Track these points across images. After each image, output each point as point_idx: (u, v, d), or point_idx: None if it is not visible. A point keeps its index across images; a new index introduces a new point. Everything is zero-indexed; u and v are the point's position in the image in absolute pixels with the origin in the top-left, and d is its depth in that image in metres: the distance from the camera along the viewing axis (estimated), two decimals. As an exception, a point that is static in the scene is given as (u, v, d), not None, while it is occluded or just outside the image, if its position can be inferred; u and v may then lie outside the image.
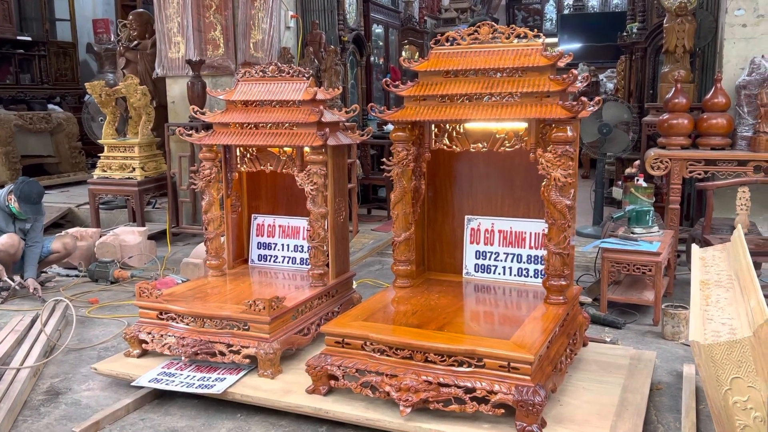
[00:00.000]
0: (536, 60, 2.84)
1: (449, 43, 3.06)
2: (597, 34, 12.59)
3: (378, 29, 8.61)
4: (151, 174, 6.04)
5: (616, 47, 8.03)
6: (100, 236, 5.25)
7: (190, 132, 3.49)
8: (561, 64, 2.91)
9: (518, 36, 2.96)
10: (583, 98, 2.74)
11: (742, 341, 1.74)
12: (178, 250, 5.67)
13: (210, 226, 3.52)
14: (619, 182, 5.59)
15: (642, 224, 4.06)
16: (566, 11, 14.54)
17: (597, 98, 3.12)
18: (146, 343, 3.10)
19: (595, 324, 3.76)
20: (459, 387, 2.43)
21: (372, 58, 8.10)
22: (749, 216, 4.43)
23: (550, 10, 15.25)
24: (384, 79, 3.25)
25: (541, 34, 2.95)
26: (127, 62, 7.11)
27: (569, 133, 2.73)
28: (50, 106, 9.16)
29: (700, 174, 4.54)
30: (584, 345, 3.17)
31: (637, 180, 4.36)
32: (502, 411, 2.38)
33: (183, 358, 2.97)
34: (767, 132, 4.42)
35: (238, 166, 3.52)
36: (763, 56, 4.62)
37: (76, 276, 4.93)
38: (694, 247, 2.85)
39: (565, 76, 2.78)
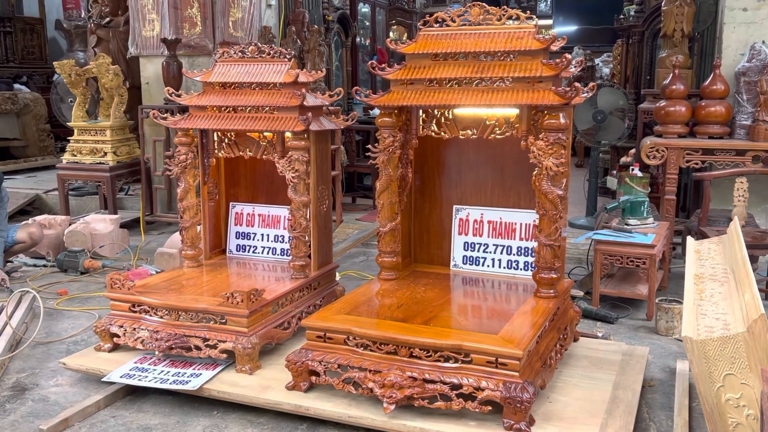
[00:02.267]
0: (529, 43, 2.85)
1: (438, 25, 3.06)
2: (593, 17, 12.63)
3: (365, 9, 8.57)
4: (124, 159, 5.99)
5: (613, 30, 8.08)
6: (70, 224, 5.20)
7: (165, 115, 3.46)
8: (554, 48, 2.92)
9: (510, 18, 2.96)
10: (577, 84, 2.75)
11: (736, 337, 1.77)
12: (152, 240, 5.64)
13: (186, 215, 3.50)
14: (614, 171, 5.62)
15: (637, 215, 4.10)
16: (562, -8, 14.53)
17: (591, 84, 3.14)
18: (118, 336, 3.09)
19: (586, 318, 3.79)
20: (445, 383, 2.45)
21: (358, 39, 8.06)
22: (747, 207, 4.48)
23: (545, -9, 15.22)
24: (370, 62, 3.24)
25: (534, 17, 2.96)
26: (98, 40, 7.04)
27: (562, 120, 2.74)
28: (16, 86, 9.03)
29: (697, 164, 4.58)
30: (575, 340, 3.20)
31: (633, 169, 4.39)
32: (490, 408, 2.40)
33: (157, 352, 2.97)
34: (767, 121, 4.47)
35: (216, 151, 3.50)
36: (763, 42, 4.66)
37: (44, 266, 4.89)
38: (690, 239, 2.88)
39: (558, 60, 2.78)
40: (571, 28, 13.29)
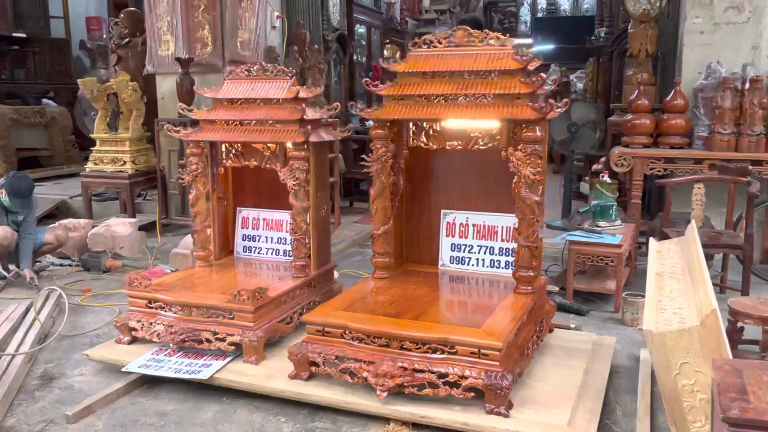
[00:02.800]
0: (508, 63, 2.86)
1: (426, 46, 3.08)
2: (568, 37, 12.67)
3: (361, 29, 8.58)
4: (142, 167, 5.98)
5: (586, 49, 8.09)
6: (93, 227, 5.20)
7: (178, 129, 3.47)
8: (531, 67, 2.94)
9: (491, 40, 2.98)
10: (551, 100, 2.77)
11: (691, 330, 1.79)
12: (167, 241, 5.63)
13: (197, 219, 3.50)
14: (587, 178, 5.66)
15: (606, 218, 4.12)
16: (540, 14, 14.59)
17: (565, 100, 3.16)
18: (136, 330, 3.09)
19: (561, 311, 3.80)
20: (433, 372, 2.46)
21: (355, 57, 8.07)
22: (704, 211, 4.51)
23: (525, 13, 15.30)
24: (364, 79, 3.25)
25: (512, 39, 2.98)
26: (118, 59, 7.02)
27: (538, 133, 2.76)
28: (44, 100, 9.00)
29: (660, 171, 4.61)
30: (550, 331, 3.22)
31: (602, 176, 4.42)
32: (473, 394, 2.41)
33: (171, 345, 2.97)
34: (722, 133, 4.51)
35: (224, 161, 3.51)
36: (718, 62, 4.70)
37: (69, 266, 4.88)
38: (652, 240, 2.90)
39: (534, 78, 2.80)
40: (548, 46, 13.32)
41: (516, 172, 2.80)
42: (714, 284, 4.09)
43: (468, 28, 3.03)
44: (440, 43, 3.04)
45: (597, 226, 4.09)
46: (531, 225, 2.84)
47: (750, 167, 4.11)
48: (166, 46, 6.06)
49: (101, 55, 8.78)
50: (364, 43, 8.72)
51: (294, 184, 3.26)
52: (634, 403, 2.69)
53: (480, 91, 2.83)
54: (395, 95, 3.01)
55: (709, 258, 4.38)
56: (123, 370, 2.89)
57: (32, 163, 8.28)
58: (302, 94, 3.36)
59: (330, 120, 3.64)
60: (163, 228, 5.98)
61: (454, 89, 2.88)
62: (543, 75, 2.78)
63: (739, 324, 2.94)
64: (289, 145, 3.30)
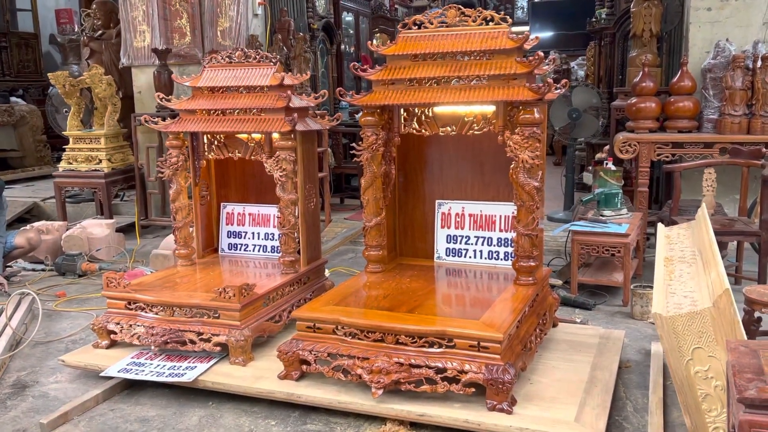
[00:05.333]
0: (503, 43, 2.87)
1: (417, 27, 3.08)
2: (568, 22, 12.71)
3: (348, 17, 8.58)
4: (119, 166, 5.96)
5: (587, 35, 8.12)
6: (67, 229, 5.17)
7: (156, 120, 3.46)
8: (527, 46, 2.95)
9: (485, 19, 2.99)
10: (549, 80, 2.77)
11: (703, 312, 1.79)
12: (147, 243, 5.61)
13: (178, 215, 3.49)
14: (590, 167, 5.67)
15: (611, 207, 4.13)
16: (537, -1, 14.63)
17: (564, 81, 3.17)
18: (115, 333, 3.07)
19: (565, 306, 3.82)
20: (430, 367, 2.46)
21: (343, 47, 8.07)
22: (716, 197, 4.53)
23: (522, -2, 15.33)
24: (353, 63, 3.25)
25: (508, 18, 2.98)
26: (91, 52, 7.00)
27: (536, 115, 2.76)
28: (13, 98, 8.97)
29: (667, 157, 4.62)
30: (554, 326, 3.22)
31: (606, 163, 4.43)
32: (473, 390, 2.41)
33: (153, 347, 2.95)
34: (732, 114, 4.52)
35: (206, 153, 3.50)
36: (727, 40, 4.71)
37: (43, 270, 4.86)
38: (660, 225, 2.91)
39: (531, 57, 2.81)
40: (547, 33, 13.36)
41: (513, 157, 2.80)
42: (729, 274, 4.15)
43: (461, 6, 3.04)
44: (431, 24, 3.05)
45: (602, 216, 4.10)
46: (531, 212, 2.84)
47: (764, 150, 4.12)
48: (141, 37, 6.05)
49: (73, 49, 8.75)
50: (352, 32, 8.72)
51: (281, 176, 3.25)
52: (646, 399, 2.70)
53: (474, 72, 2.84)
54: (385, 80, 3.01)
55: (722, 247, 4.41)
56: (101, 375, 2.87)
57: (1, 165, 8.25)
58: (288, 81, 3.36)
59: (319, 111, 3.64)
60: (143, 229, 5.97)
61: (447, 72, 2.89)
62: (540, 53, 2.78)
63: (756, 314, 2.96)
64: (274, 134, 3.29)
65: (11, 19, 9.49)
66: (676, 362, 1.87)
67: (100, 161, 5.86)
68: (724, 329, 1.76)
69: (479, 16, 2.98)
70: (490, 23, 2.98)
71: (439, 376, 2.45)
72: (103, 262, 4.95)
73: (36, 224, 5.19)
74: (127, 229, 5.85)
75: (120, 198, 6.64)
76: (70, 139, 5.97)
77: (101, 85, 5.80)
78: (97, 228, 5.16)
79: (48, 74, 6.00)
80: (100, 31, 6.95)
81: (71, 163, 5.93)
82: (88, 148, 5.90)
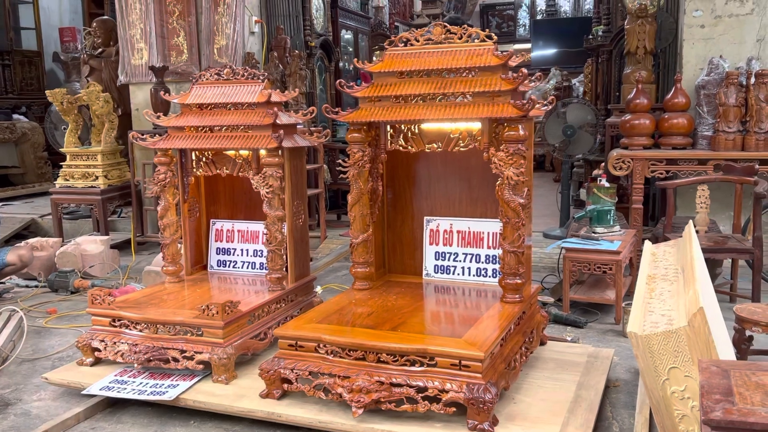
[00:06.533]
0: (488, 60, 2.87)
1: (403, 44, 3.09)
2: (569, 39, 12.75)
3: (347, 35, 8.63)
4: (115, 182, 5.99)
5: (586, 52, 8.13)
6: (61, 246, 5.18)
7: (144, 136, 3.47)
8: (513, 63, 2.95)
9: (471, 36, 2.99)
10: (533, 96, 2.77)
11: (678, 331, 1.77)
12: (142, 259, 5.62)
13: (166, 232, 3.50)
14: (586, 183, 5.65)
15: (603, 223, 4.11)
16: (539, 17, 14.71)
17: (551, 97, 3.17)
18: (99, 351, 3.06)
19: (557, 323, 3.79)
20: (411, 386, 2.43)
21: (341, 64, 8.11)
22: (712, 214, 4.50)
23: (524, 16, 15.43)
24: (338, 81, 3.26)
25: (493, 35, 2.99)
26: (91, 70, 7.06)
27: (521, 132, 2.76)
28: (15, 116, 9.04)
29: (662, 173, 4.61)
30: (543, 344, 3.19)
31: (600, 180, 4.41)
32: (454, 410, 2.38)
33: (136, 365, 2.94)
34: (726, 131, 4.51)
35: (194, 170, 3.51)
36: (721, 56, 4.71)
37: (36, 287, 4.86)
38: (647, 242, 2.89)
39: (515, 74, 2.81)
40: (549, 51, 13.42)
41: (499, 173, 2.79)
42: (723, 292, 4.14)
43: (446, 24, 3.05)
44: (417, 41, 3.06)
45: (594, 233, 4.08)
46: (516, 229, 2.82)
47: (757, 167, 4.10)
48: (139, 55, 6.10)
49: (76, 67, 8.83)
50: (351, 49, 8.77)
51: (267, 192, 3.25)
52: (632, 419, 2.66)
53: (459, 89, 2.84)
54: (371, 97, 3.01)
55: (717, 264, 4.38)
56: (83, 393, 2.86)
57: (2, 182, 8.30)
58: (275, 98, 3.37)
59: (314, 128, 3.64)
60: (139, 246, 5.98)
61: (432, 89, 2.89)
62: (524, 70, 2.78)
63: (747, 332, 2.92)
64: (262, 151, 3.30)
65: (15, 37, 9.60)
66: (652, 382, 1.84)
67: (97, 178, 5.88)
68: (700, 348, 1.73)
69: (465, 34, 2.99)
70: (476, 40, 2.99)
71: (421, 395, 2.42)
72: (97, 278, 4.95)
73: (30, 241, 5.21)
74: (122, 246, 5.86)
75: (117, 214, 6.66)
76: (68, 156, 6.01)
77: (98, 102, 5.84)
78: (91, 244, 5.17)
79: (46, 92, 6.05)
80: (99, 49, 7.01)
81: (68, 180, 5.96)
82: (85, 165, 5.93)
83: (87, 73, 7.08)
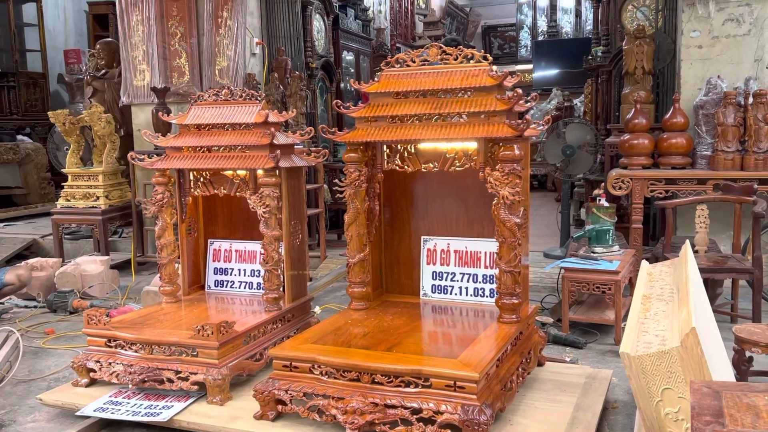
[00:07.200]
0: (483, 80, 2.89)
1: (399, 65, 3.11)
2: (570, 60, 12.83)
3: (349, 56, 8.70)
4: (116, 203, 6.01)
5: (587, 72, 8.18)
6: (61, 266, 5.19)
7: (143, 157, 3.49)
8: (508, 84, 2.97)
9: (466, 57, 3.02)
10: (528, 117, 2.79)
11: (671, 351, 1.76)
12: (142, 280, 5.62)
13: (163, 252, 3.50)
14: (586, 203, 5.65)
15: (602, 243, 4.10)
16: (540, 38, 14.81)
17: (547, 117, 3.18)
18: (94, 371, 3.05)
19: (557, 344, 3.77)
20: (406, 408, 2.42)
21: (343, 85, 8.17)
22: (712, 234, 4.49)
23: (525, 37, 15.53)
24: (335, 101, 3.29)
25: (488, 55, 3.01)
26: (94, 91, 7.13)
27: (516, 152, 2.77)
28: (19, 137, 9.12)
29: (661, 193, 4.60)
30: (541, 364, 3.17)
31: (599, 200, 4.41)
32: (449, 431, 2.36)
33: (130, 386, 2.93)
34: (725, 151, 4.52)
35: (192, 190, 3.52)
36: (719, 76, 4.73)
37: (35, 307, 4.86)
38: (644, 262, 2.88)
39: (510, 95, 2.83)
40: (551, 71, 13.49)
41: (494, 193, 2.80)
42: (724, 312, 4.11)
43: (442, 45, 3.08)
44: (414, 62, 3.08)
45: (593, 252, 4.06)
46: (513, 249, 2.82)
47: (756, 186, 4.10)
48: (141, 76, 6.16)
49: (80, 88, 8.90)
50: (352, 70, 8.83)
51: (264, 212, 3.26)
52: (631, 440, 2.64)
53: (454, 110, 2.86)
54: (368, 117, 3.03)
55: (717, 284, 4.35)
56: (77, 414, 2.85)
57: (5, 202, 8.34)
58: (272, 119, 3.39)
59: (314, 148, 3.66)
60: (139, 266, 5.98)
61: (428, 109, 2.91)
62: (519, 90, 2.80)
63: (747, 353, 2.90)
64: (259, 171, 3.31)
65: (20, 59, 9.70)
66: (646, 403, 1.82)
67: (98, 198, 5.91)
68: (692, 369, 1.72)
69: (460, 54, 3.02)
70: (472, 61, 3.01)
71: (415, 416, 2.40)
72: (96, 299, 4.95)
73: (30, 261, 5.22)
74: (123, 266, 5.86)
75: (118, 234, 6.68)
76: (69, 177, 6.05)
77: (100, 123, 5.89)
78: (90, 265, 5.17)
79: (48, 113, 6.10)
80: (103, 71, 7.08)
81: (69, 200, 5.99)
82: (86, 185, 5.97)
83: (90, 94, 7.15)
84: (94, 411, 2.82)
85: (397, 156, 3.12)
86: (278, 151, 3.24)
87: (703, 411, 1.45)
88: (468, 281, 3.28)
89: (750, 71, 4.80)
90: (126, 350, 3.03)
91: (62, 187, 6.17)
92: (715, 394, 1.52)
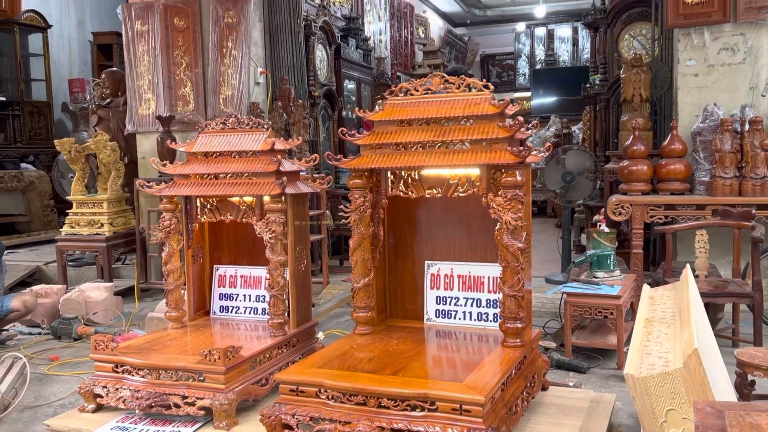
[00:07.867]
0: (485, 108, 2.96)
1: (403, 94, 3.19)
2: (568, 88, 13.01)
3: (350, 85, 8.84)
4: (120, 229, 6.07)
5: (584, 100, 8.31)
6: (65, 293, 5.22)
7: (150, 184, 3.55)
8: (509, 112, 3.04)
9: (468, 86, 3.10)
10: (529, 143, 2.85)
11: (674, 373, 1.79)
12: (145, 306, 5.64)
13: (170, 278, 3.54)
14: (587, 229, 5.70)
15: (603, 268, 4.14)
16: (538, 66, 15.02)
17: (547, 144, 3.25)
18: (101, 397, 3.07)
19: (560, 369, 3.79)
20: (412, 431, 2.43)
21: (345, 113, 8.29)
22: (712, 259, 4.53)
23: (523, 65, 15.75)
24: (340, 129, 3.36)
25: (490, 84, 3.09)
26: (99, 120, 7.23)
27: (518, 178, 2.82)
28: (23, 165, 9.20)
29: (661, 218, 4.66)
30: (545, 389, 3.19)
31: (600, 225, 4.46)
32: (455, 455, 2.38)
33: (137, 411, 2.95)
34: (723, 177, 4.59)
35: (199, 216, 3.57)
36: (715, 104, 4.82)
37: (39, 334, 4.88)
38: (645, 286, 2.92)
39: (512, 122, 2.90)
40: (549, 99, 13.68)
41: (497, 218, 2.85)
42: (726, 337, 4.14)
43: (444, 75, 3.16)
44: (417, 91, 3.16)
45: (594, 277, 4.10)
46: (516, 273, 2.86)
47: (754, 211, 4.15)
48: (146, 105, 6.26)
49: (84, 117, 9.04)
50: (354, 98, 8.96)
51: (270, 238, 3.31)
52: (635, 464, 2.65)
53: (457, 137, 2.92)
54: (372, 144, 3.10)
55: (718, 308, 4.39)
56: (84, 440, 2.86)
57: (8, 230, 8.39)
58: (278, 146, 3.46)
59: (317, 175, 3.73)
60: (142, 293, 6.01)
61: (431, 136, 2.97)
62: (520, 118, 2.87)
63: (749, 377, 2.92)
64: (265, 197, 3.37)
65: (25, 88, 9.83)
66: (650, 424, 1.85)
67: (102, 225, 5.96)
68: (696, 389, 1.75)
69: (462, 83, 3.09)
70: (474, 90, 3.09)
71: (421, 440, 2.42)
72: (100, 325, 4.97)
73: (34, 288, 5.25)
74: (126, 293, 5.89)
75: (121, 261, 6.72)
76: (74, 204, 6.11)
77: (105, 150, 5.97)
78: (95, 291, 5.20)
79: (54, 141, 6.19)
80: (108, 100, 7.19)
81: (74, 227, 6.05)
82: (91, 213, 6.02)
83: (95, 123, 7.25)
84: (101, 436, 2.84)
85: (401, 182, 3.18)
86: (284, 178, 3.30)
87: (706, 430, 1.48)
88: (472, 306, 3.31)
89: (745, 99, 4.90)
90: (133, 375, 3.05)
91: (65, 215, 6.23)
92: (719, 414, 1.55)
